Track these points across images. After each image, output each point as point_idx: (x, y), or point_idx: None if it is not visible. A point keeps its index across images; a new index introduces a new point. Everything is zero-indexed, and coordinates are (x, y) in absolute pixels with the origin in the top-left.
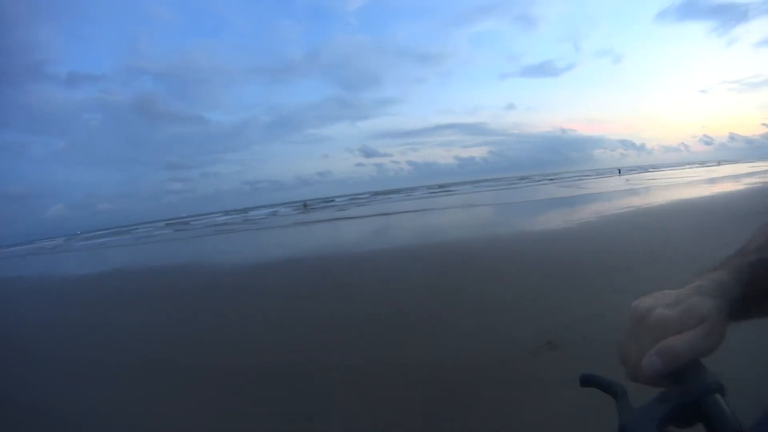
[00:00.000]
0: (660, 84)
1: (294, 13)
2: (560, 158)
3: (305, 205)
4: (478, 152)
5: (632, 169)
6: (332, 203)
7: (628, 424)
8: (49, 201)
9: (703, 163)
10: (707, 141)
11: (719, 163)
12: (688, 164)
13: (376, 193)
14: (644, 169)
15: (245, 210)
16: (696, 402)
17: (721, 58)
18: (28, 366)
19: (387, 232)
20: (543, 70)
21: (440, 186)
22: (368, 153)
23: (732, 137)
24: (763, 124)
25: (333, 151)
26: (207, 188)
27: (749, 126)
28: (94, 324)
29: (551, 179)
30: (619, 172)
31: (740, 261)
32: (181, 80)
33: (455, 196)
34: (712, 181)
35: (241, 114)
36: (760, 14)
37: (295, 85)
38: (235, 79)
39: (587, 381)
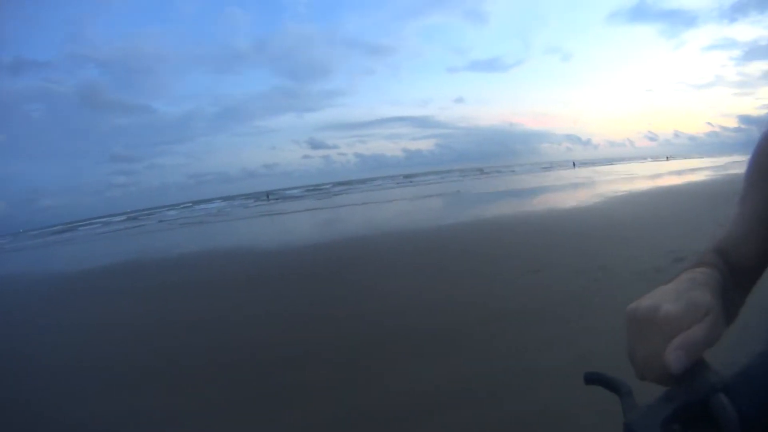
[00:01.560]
0: (608, 82)
1: (243, 0)
2: (507, 151)
3: (268, 196)
4: (425, 145)
5: (585, 163)
6: (293, 194)
7: (633, 423)
8: None
9: (655, 158)
10: (652, 137)
11: (668, 158)
12: (640, 159)
13: (337, 184)
14: (597, 162)
15: (198, 202)
16: (701, 400)
17: (668, 60)
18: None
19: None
20: (492, 65)
21: (405, 176)
22: (315, 145)
23: (676, 134)
24: (708, 123)
25: (280, 143)
26: (153, 181)
27: (694, 124)
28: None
29: (512, 171)
30: (574, 164)
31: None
32: (126, 68)
33: (428, 185)
34: (677, 173)
35: (186, 104)
36: (708, 21)
37: (242, 75)
38: (181, 68)
39: (592, 379)
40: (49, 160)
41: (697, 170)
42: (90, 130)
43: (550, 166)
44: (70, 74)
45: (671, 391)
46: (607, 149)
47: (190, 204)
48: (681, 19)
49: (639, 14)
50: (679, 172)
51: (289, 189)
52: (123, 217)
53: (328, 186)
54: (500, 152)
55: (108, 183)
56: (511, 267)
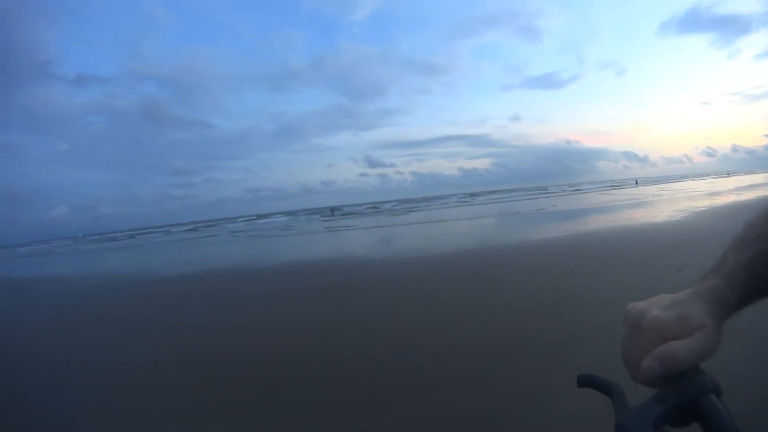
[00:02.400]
0: (662, 96)
1: (298, 21)
2: (564, 170)
3: (333, 212)
4: (481, 163)
5: (646, 181)
6: (358, 211)
7: (625, 424)
8: (51, 203)
9: (718, 175)
10: (710, 153)
11: (729, 174)
12: (699, 175)
13: (402, 201)
14: (659, 180)
15: (260, 216)
16: (693, 402)
17: (722, 71)
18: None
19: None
20: (546, 81)
21: (470, 194)
22: (372, 163)
23: (735, 148)
24: (766, 135)
25: (337, 161)
26: (210, 194)
27: (751, 137)
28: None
29: (577, 190)
30: (636, 182)
31: (737, 260)
32: (184, 85)
33: (499, 203)
34: (746, 188)
35: (244, 121)
36: (761, 26)
37: (298, 93)
38: (238, 86)
39: (584, 381)
40: (110, 170)
41: (764, 185)
42: (150, 143)
43: (616, 184)
44: (130, 89)
45: (663, 392)
46: (665, 166)
47: (254, 217)
48: (733, 27)
49: (690, 24)
50: (749, 187)
51: (349, 206)
52: (185, 228)
53: (390, 203)
54: (557, 171)
55: (166, 194)
56: (656, 267)
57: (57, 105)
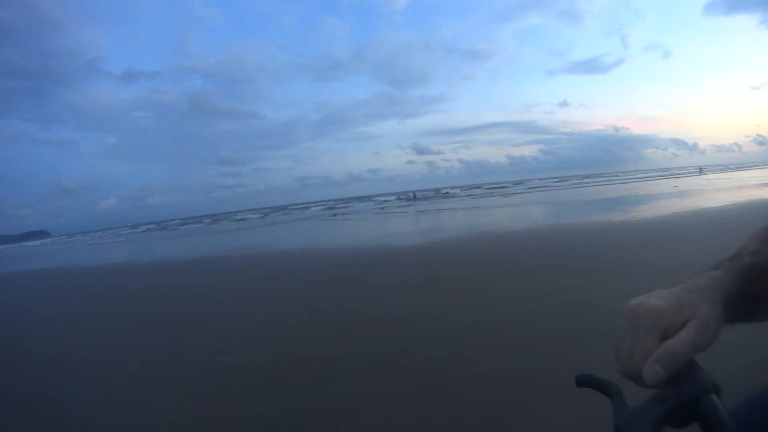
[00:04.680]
0: (709, 80)
1: (339, 11)
2: (611, 158)
3: (415, 196)
4: (528, 151)
5: (706, 170)
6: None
7: (624, 425)
8: (101, 194)
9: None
10: (761, 141)
11: None
12: (753, 165)
13: (469, 187)
14: (717, 169)
15: (338, 201)
16: (692, 402)
17: None
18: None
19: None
20: (591, 66)
21: (554, 178)
22: (420, 150)
23: None
24: None
25: (383, 149)
26: (259, 183)
27: None
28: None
29: (635, 179)
30: (700, 170)
31: (734, 264)
32: (229, 78)
33: (575, 189)
34: None
35: (289, 111)
36: None
37: (342, 82)
38: (282, 77)
39: (583, 381)
40: (158, 162)
41: None
42: (198, 134)
43: (677, 173)
44: (176, 84)
45: (662, 392)
46: (714, 154)
47: (330, 203)
48: None
49: (736, 3)
50: None
51: (422, 191)
52: (259, 213)
53: (453, 189)
54: (605, 159)
55: (216, 184)
56: None
57: (105, 101)
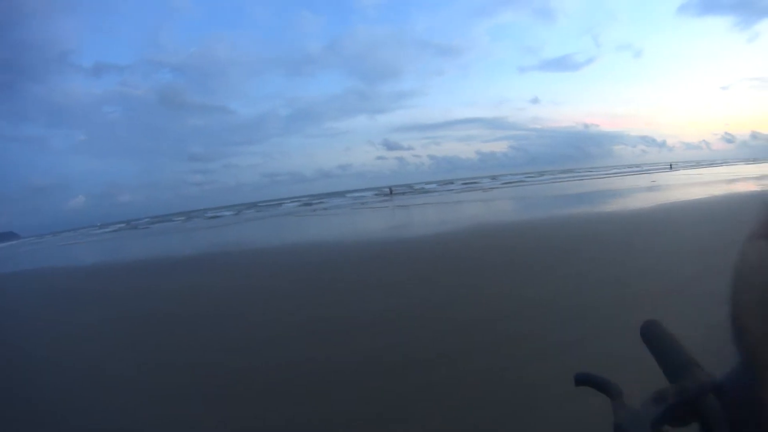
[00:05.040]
0: (680, 79)
1: (313, 4)
2: (580, 154)
3: (391, 192)
4: (498, 147)
5: (678, 166)
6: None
7: (623, 424)
8: (69, 192)
9: (747, 161)
10: (729, 139)
11: (756, 161)
12: (723, 162)
13: (443, 182)
14: (693, 165)
15: (313, 198)
16: (692, 402)
17: (743, 55)
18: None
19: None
20: (563, 63)
21: (492, 177)
22: (390, 146)
23: (754, 135)
24: None
25: (354, 144)
26: (229, 180)
27: None
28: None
29: (609, 174)
30: (671, 166)
31: None
32: (201, 72)
33: (544, 185)
34: None
35: (261, 106)
36: None
37: (313, 77)
38: (254, 71)
39: (582, 380)
40: (128, 158)
41: None
42: (167, 130)
43: (650, 169)
44: (147, 78)
45: (661, 392)
46: (683, 151)
47: (304, 199)
48: (753, 10)
49: (709, 6)
50: None
51: (395, 186)
52: (228, 211)
53: (455, 181)
54: (575, 155)
55: (184, 181)
56: None
57: (75, 96)
